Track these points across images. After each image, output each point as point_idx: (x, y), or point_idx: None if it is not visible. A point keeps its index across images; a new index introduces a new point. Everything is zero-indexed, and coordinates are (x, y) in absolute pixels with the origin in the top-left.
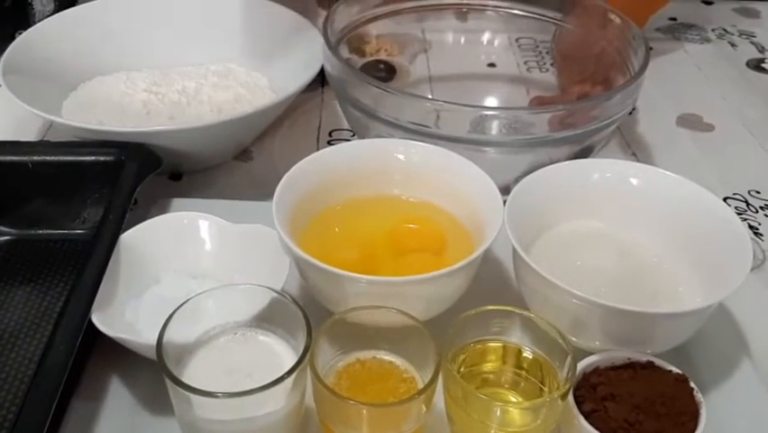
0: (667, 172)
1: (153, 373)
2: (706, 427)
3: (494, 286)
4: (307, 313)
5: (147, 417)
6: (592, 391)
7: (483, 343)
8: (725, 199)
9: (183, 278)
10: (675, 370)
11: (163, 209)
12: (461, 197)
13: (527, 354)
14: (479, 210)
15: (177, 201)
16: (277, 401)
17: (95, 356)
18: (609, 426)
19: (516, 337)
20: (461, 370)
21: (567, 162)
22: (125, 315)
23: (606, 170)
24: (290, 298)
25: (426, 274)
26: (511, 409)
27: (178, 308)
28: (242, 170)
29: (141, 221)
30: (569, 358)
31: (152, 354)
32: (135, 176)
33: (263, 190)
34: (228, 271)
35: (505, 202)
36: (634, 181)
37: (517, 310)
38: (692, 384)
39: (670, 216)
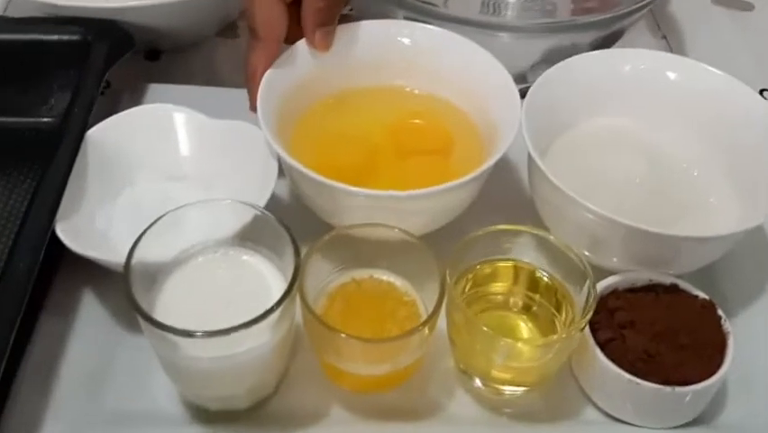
0: (711, 68)
1: None
2: (732, 361)
3: (504, 193)
4: (300, 223)
5: (121, 333)
6: (609, 316)
7: (492, 263)
8: (761, 92)
9: (159, 180)
10: (702, 295)
11: (138, 97)
12: (471, 89)
13: (541, 275)
14: (491, 106)
15: (153, 88)
16: (262, 336)
17: (64, 267)
18: (626, 357)
19: (530, 257)
20: (467, 290)
21: (596, 52)
22: (96, 222)
23: (640, 61)
24: (276, 217)
25: (431, 188)
26: (520, 345)
27: (151, 225)
28: (228, 49)
29: (113, 109)
30: (587, 283)
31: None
32: (104, 58)
33: None
34: (209, 174)
35: (521, 94)
36: (671, 76)
37: (532, 230)
38: (720, 312)
39: (709, 118)
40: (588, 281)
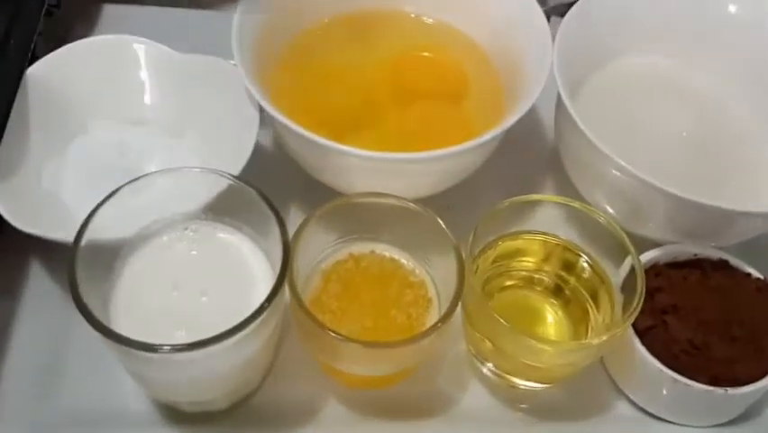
0: None
1: None
2: None
3: (525, 145)
4: (286, 181)
5: (77, 316)
6: (649, 299)
7: (517, 237)
8: None
9: (117, 125)
10: (755, 273)
11: (92, 21)
12: (490, 17)
13: (576, 253)
14: (514, 38)
15: (109, 9)
16: (246, 340)
17: (4, 236)
18: (669, 349)
19: (562, 231)
20: (488, 265)
21: None
22: (42, 181)
23: None
24: (258, 191)
25: (439, 151)
26: (547, 347)
27: (106, 198)
28: None
29: (64, 37)
30: (630, 266)
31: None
32: None
33: None
34: (176, 119)
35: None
36: (732, 9)
37: (566, 202)
38: None
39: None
40: (630, 264)
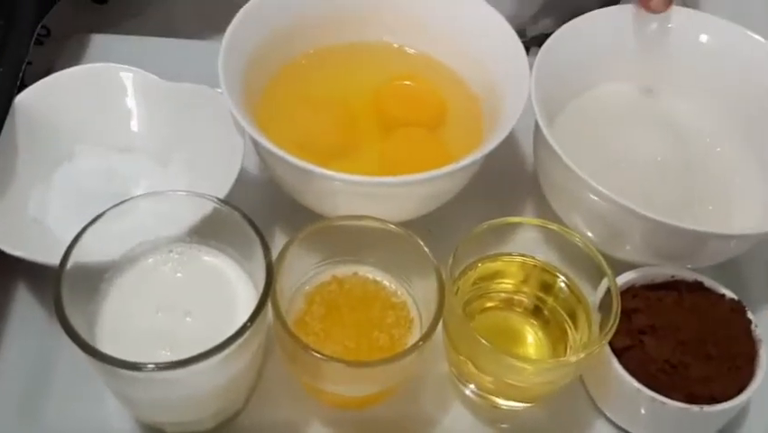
0: (749, 32)
1: None
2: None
3: (504, 172)
4: (271, 205)
5: (61, 336)
6: (627, 319)
7: (497, 259)
8: None
9: (104, 151)
10: (729, 294)
11: (80, 50)
12: (470, 48)
13: (554, 275)
14: (493, 67)
15: (97, 39)
16: (229, 360)
17: None
18: (646, 368)
19: (540, 252)
20: (469, 286)
21: (617, 7)
22: (29, 206)
23: (668, 19)
24: (242, 213)
25: (421, 174)
26: (527, 366)
27: (92, 222)
28: None
29: (49, 70)
30: (606, 287)
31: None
32: (37, 4)
33: (210, 23)
34: (163, 146)
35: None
36: (704, 39)
37: (544, 224)
38: (750, 315)
39: (736, 87)
40: (607, 285)
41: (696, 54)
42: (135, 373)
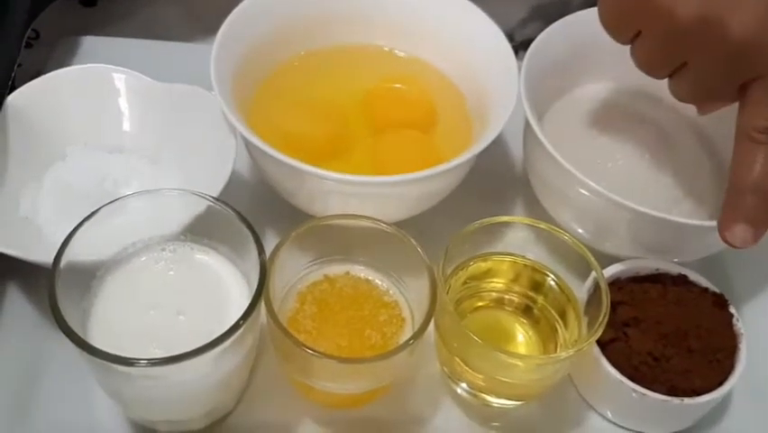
0: None
1: None
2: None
3: (494, 169)
4: (263, 205)
5: (52, 336)
6: (611, 312)
7: (488, 258)
8: None
9: (96, 153)
10: (712, 288)
11: (70, 52)
12: (459, 51)
13: (544, 274)
14: (482, 70)
15: (88, 40)
16: (221, 358)
17: None
18: (630, 361)
19: (530, 251)
20: (459, 285)
21: None
22: (20, 206)
23: None
24: (236, 212)
25: (412, 174)
26: (518, 362)
27: (85, 220)
28: None
29: (39, 72)
30: (594, 284)
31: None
32: (28, 6)
33: (201, 25)
34: (155, 146)
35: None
36: None
37: (534, 223)
38: (732, 310)
39: None
40: (595, 282)
41: None
42: (128, 369)
